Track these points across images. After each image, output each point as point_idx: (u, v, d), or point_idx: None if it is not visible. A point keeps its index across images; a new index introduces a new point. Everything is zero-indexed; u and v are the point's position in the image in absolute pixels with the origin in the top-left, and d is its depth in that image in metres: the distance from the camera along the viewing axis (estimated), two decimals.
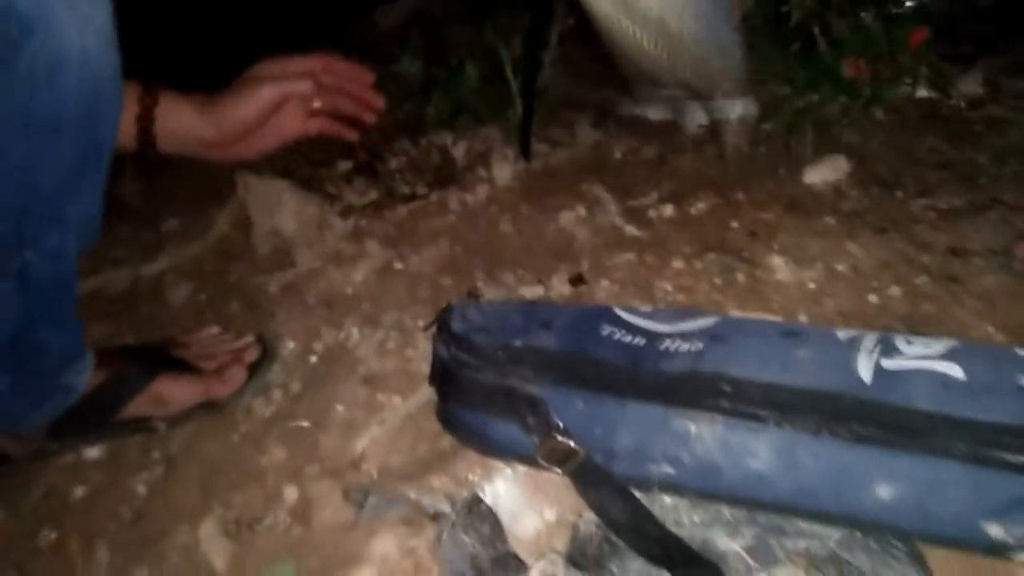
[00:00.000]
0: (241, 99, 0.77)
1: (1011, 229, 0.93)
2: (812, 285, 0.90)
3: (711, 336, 0.66)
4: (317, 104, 0.82)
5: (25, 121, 0.56)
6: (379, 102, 0.85)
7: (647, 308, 0.72)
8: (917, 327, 0.82)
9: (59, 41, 0.55)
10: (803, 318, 0.85)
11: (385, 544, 0.66)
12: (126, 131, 0.72)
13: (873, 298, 0.87)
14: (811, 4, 1.26)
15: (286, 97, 0.79)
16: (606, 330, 0.69)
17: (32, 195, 0.60)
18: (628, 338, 0.68)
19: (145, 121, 0.72)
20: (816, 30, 1.25)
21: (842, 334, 0.64)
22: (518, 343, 0.68)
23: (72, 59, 0.56)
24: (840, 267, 0.92)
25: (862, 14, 1.24)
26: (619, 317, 0.71)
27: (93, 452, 0.84)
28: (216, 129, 0.75)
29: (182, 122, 0.75)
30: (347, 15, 2.16)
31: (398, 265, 1.01)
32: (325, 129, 0.83)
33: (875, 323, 0.83)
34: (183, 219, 1.28)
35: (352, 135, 0.85)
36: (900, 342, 0.62)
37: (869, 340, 0.62)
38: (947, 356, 0.59)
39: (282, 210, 1.11)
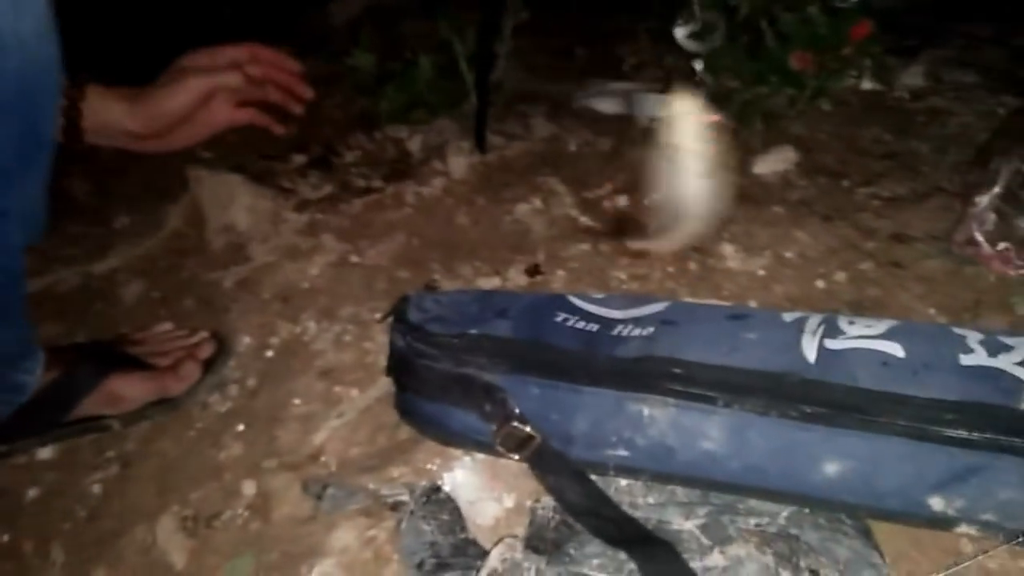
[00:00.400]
0: (169, 92, 0.76)
1: (951, 215, 0.96)
2: (761, 272, 0.92)
3: (662, 321, 0.67)
4: (245, 95, 0.82)
5: None
6: (307, 93, 0.85)
7: (600, 295, 0.74)
8: (862, 311, 0.84)
9: None
10: (753, 304, 0.87)
11: (345, 535, 0.66)
12: None
13: (820, 284, 0.89)
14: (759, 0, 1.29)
15: (214, 89, 0.79)
16: (560, 317, 0.70)
17: None
18: (582, 324, 0.69)
19: (72, 114, 0.72)
20: (764, 24, 1.27)
21: (787, 316, 0.66)
22: (474, 331, 0.69)
23: (9, 44, 0.55)
24: (788, 254, 0.94)
25: (808, 8, 1.26)
26: (573, 304, 0.72)
27: (46, 452, 0.83)
28: (144, 122, 0.75)
29: (110, 115, 0.74)
30: (299, 7, 2.13)
31: (354, 258, 1.01)
32: (254, 120, 0.83)
33: (822, 307, 0.85)
34: (134, 216, 1.26)
35: (279, 128, 0.85)
36: (843, 322, 0.64)
37: (813, 321, 0.64)
38: (887, 335, 0.61)
39: (235, 205, 1.10)
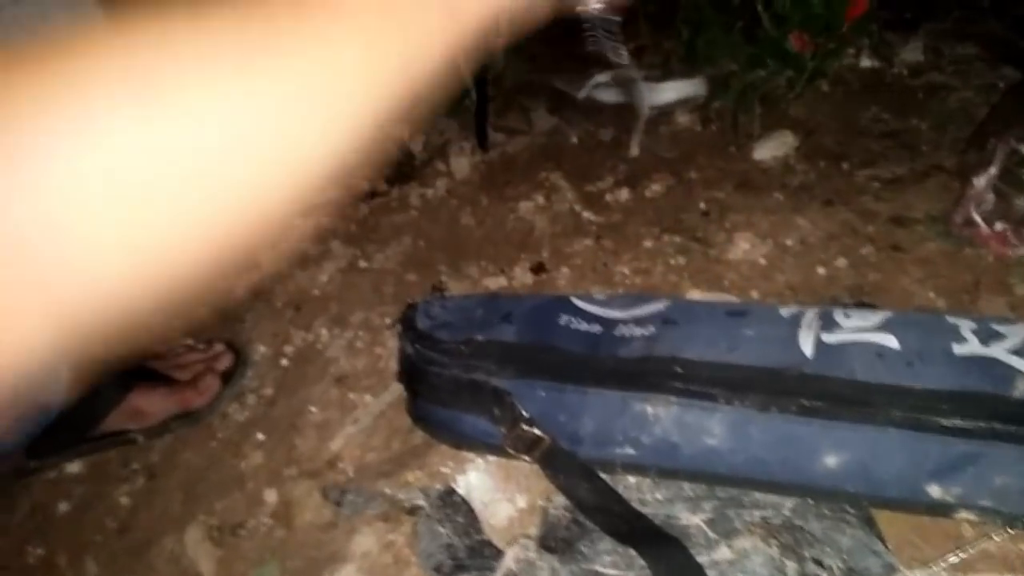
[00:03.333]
0: None
1: (950, 195, 0.96)
2: (763, 261, 0.93)
3: (663, 320, 0.69)
4: None
5: None
6: None
7: (602, 296, 0.75)
8: (864, 297, 0.85)
9: None
10: (755, 294, 0.88)
11: (365, 540, 0.69)
12: None
13: (821, 270, 0.90)
14: None
15: None
16: (564, 319, 0.72)
17: None
18: (585, 326, 0.71)
19: None
20: (760, 6, 1.27)
21: (785, 311, 0.67)
22: (480, 337, 0.71)
23: None
24: (789, 242, 0.95)
25: None
26: (575, 306, 0.73)
27: (74, 467, 0.86)
28: None
29: None
30: None
31: (362, 263, 1.03)
32: None
33: (824, 294, 0.87)
34: None
35: None
36: (839, 316, 0.65)
37: (810, 315, 0.66)
38: (882, 327, 0.63)
39: None
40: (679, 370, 0.63)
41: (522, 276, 0.97)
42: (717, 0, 1.30)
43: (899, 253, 0.90)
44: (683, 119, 1.25)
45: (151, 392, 0.85)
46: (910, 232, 0.93)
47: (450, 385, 0.70)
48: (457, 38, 0.39)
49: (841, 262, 0.91)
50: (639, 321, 0.70)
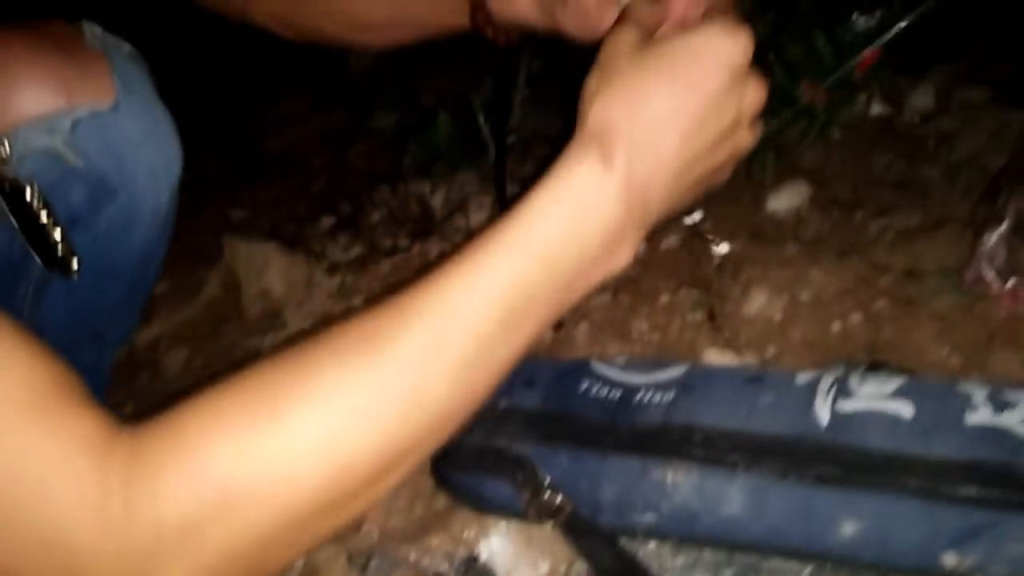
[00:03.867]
0: None
1: (962, 246, 0.97)
2: (778, 316, 0.94)
3: (681, 386, 0.71)
4: None
5: (93, 271, 0.62)
6: None
7: (621, 360, 0.77)
8: (878, 354, 0.87)
9: (137, 202, 0.61)
10: (772, 350, 0.90)
11: None
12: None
13: (836, 326, 0.92)
14: (765, 30, 1.32)
15: None
16: (584, 385, 0.74)
17: (81, 321, 0.65)
18: (605, 391, 0.72)
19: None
20: (771, 56, 1.30)
21: (800, 378, 0.69)
22: (503, 403, 0.73)
23: (145, 217, 0.62)
24: (804, 296, 0.97)
25: (815, 38, 1.29)
26: (596, 371, 0.75)
27: None
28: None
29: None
30: (316, 56, 2.19)
31: None
32: None
33: (839, 352, 0.88)
34: (172, 281, 1.32)
35: None
36: (854, 382, 0.67)
37: (825, 382, 0.67)
38: (896, 394, 0.64)
39: (270, 271, 1.15)
40: (698, 437, 0.65)
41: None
42: None
43: (913, 307, 0.92)
44: None
45: None
46: (923, 286, 0.94)
47: (474, 451, 0.72)
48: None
49: (856, 317, 0.92)
50: (658, 387, 0.71)
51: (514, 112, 1.34)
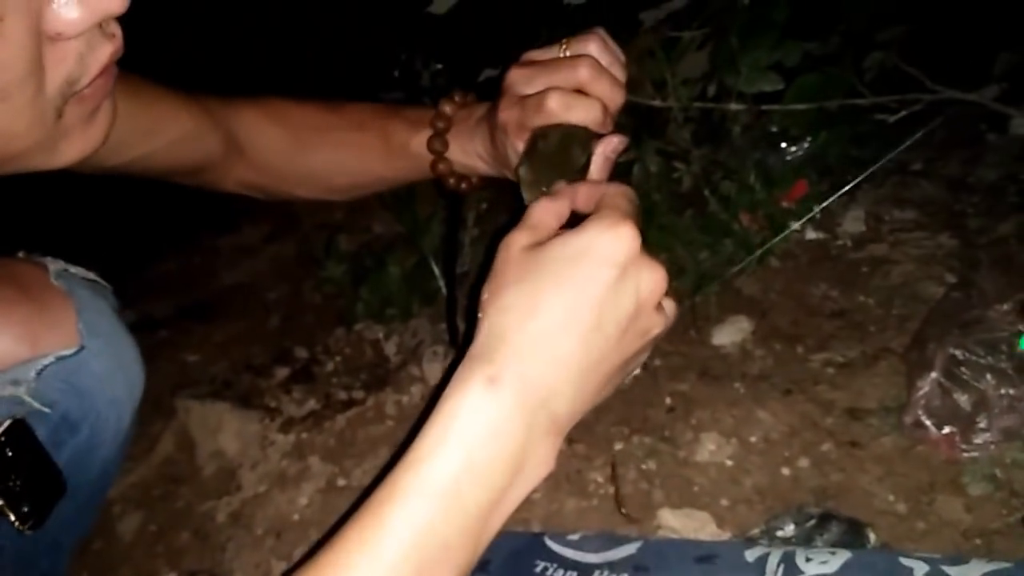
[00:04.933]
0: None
1: (900, 381, 1.01)
2: (730, 463, 0.96)
3: (635, 566, 0.72)
4: None
5: None
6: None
7: (575, 536, 0.78)
8: (828, 500, 0.88)
9: (99, 431, 0.62)
10: (724, 502, 0.91)
11: None
12: None
13: (786, 471, 0.94)
14: (698, 168, 1.38)
15: None
16: (539, 566, 0.74)
17: (38, 539, 0.64)
18: (560, 573, 0.73)
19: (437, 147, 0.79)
20: (707, 191, 1.36)
21: (750, 554, 0.70)
22: None
23: (107, 441, 0.63)
24: (753, 439, 0.99)
25: (747, 173, 1.35)
26: (551, 550, 0.76)
27: None
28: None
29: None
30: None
31: (341, 481, 1.05)
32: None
33: (789, 499, 0.90)
34: None
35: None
36: (800, 560, 0.68)
37: (773, 560, 0.69)
38: (841, 572, 0.66)
39: (224, 431, 1.14)
40: None
41: None
42: (666, 185, 1.39)
43: (857, 450, 0.94)
44: None
45: None
46: (865, 426, 0.97)
47: None
48: None
49: (803, 462, 0.94)
50: (612, 567, 0.72)
51: (463, 252, 1.38)
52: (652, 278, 0.54)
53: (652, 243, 1.30)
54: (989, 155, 1.48)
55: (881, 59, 1.37)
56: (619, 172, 1.42)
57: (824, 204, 1.32)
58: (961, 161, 1.49)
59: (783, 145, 1.44)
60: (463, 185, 0.85)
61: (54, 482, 0.61)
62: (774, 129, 1.43)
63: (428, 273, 1.32)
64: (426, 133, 0.78)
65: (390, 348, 1.26)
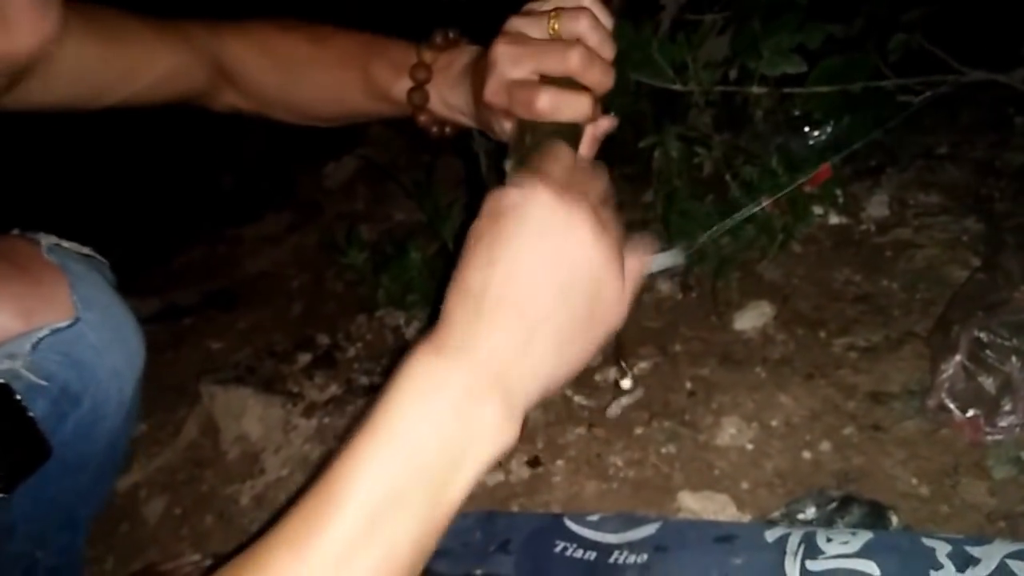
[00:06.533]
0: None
1: (924, 365, 1.00)
2: (750, 446, 0.96)
3: (655, 546, 0.72)
4: None
5: (63, 468, 0.63)
6: None
7: (595, 517, 0.78)
8: (849, 483, 0.88)
9: (102, 403, 0.63)
10: (744, 485, 0.91)
11: None
12: None
13: (807, 455, 0.93)
14: (719, 153, 1.37)
15: None
16: (559, 546, 0.74)
17: (53, 512, 0.66)
18: (580, 553, 0.73)
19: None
20: (728, 176, 1.35)
21: (770, 534, 0.70)
22: (479, 572, 0.73)
23: (110, 413, 0.64)
24: (774, 423, 0.98)
25: (771, 158, 1.34)
26: (570, 531, 0.76)
27: None
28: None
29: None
30: (294, 172, 2.25)
31: None
32: None
33: (811, 482, 0.89)
34: (151, 422, 1.32)
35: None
36: (821, 540, 0.68)
37: (794, 540, 0.68)
38: (862, 552, 0.65)
39: (247, 416, 1.16)
40: None
41: (518, 470, 1.00)
42: (686, 174, 1.38)
43: (880, 433, 0.93)
44: (664, 286, 1.31)
45: None
46: (888, 410, 0.96)
47: None
48: None
49: (825, 445, 0.93)
50: (632, 547, 0.72)
51: None
52: (600, 187, 0.53)
53: (674, 228, 1.30)
54: (1016, 138, 1.45)
55: (906, 40, 1.34)
56: (640, 157, 1.42)
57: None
58: (988, 144, 1.47)
59: (806, 129, 1.43)
60: (447, 131, 0.83)
61: (35, 447, 0.61)
62: (796, 113, 1.42)
63: (449, 260, 1.33)
64: (408, 81, 0.77)
65: (411, 334, 1.26)
